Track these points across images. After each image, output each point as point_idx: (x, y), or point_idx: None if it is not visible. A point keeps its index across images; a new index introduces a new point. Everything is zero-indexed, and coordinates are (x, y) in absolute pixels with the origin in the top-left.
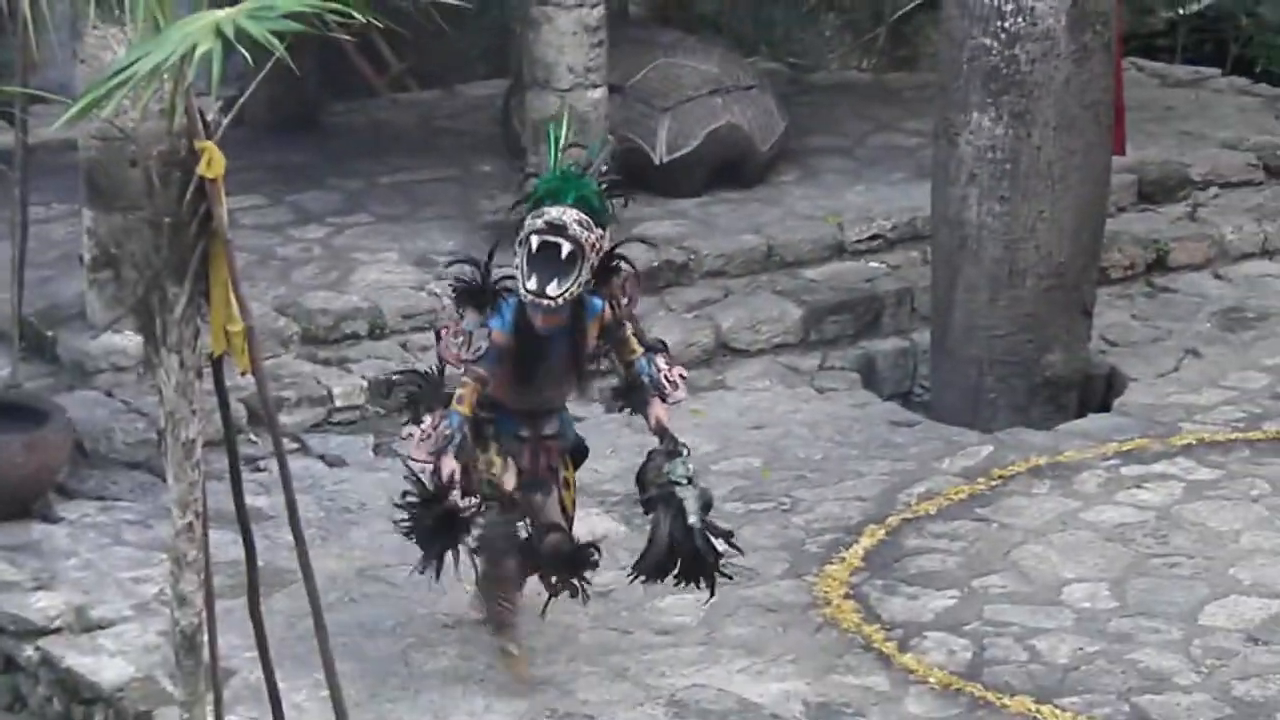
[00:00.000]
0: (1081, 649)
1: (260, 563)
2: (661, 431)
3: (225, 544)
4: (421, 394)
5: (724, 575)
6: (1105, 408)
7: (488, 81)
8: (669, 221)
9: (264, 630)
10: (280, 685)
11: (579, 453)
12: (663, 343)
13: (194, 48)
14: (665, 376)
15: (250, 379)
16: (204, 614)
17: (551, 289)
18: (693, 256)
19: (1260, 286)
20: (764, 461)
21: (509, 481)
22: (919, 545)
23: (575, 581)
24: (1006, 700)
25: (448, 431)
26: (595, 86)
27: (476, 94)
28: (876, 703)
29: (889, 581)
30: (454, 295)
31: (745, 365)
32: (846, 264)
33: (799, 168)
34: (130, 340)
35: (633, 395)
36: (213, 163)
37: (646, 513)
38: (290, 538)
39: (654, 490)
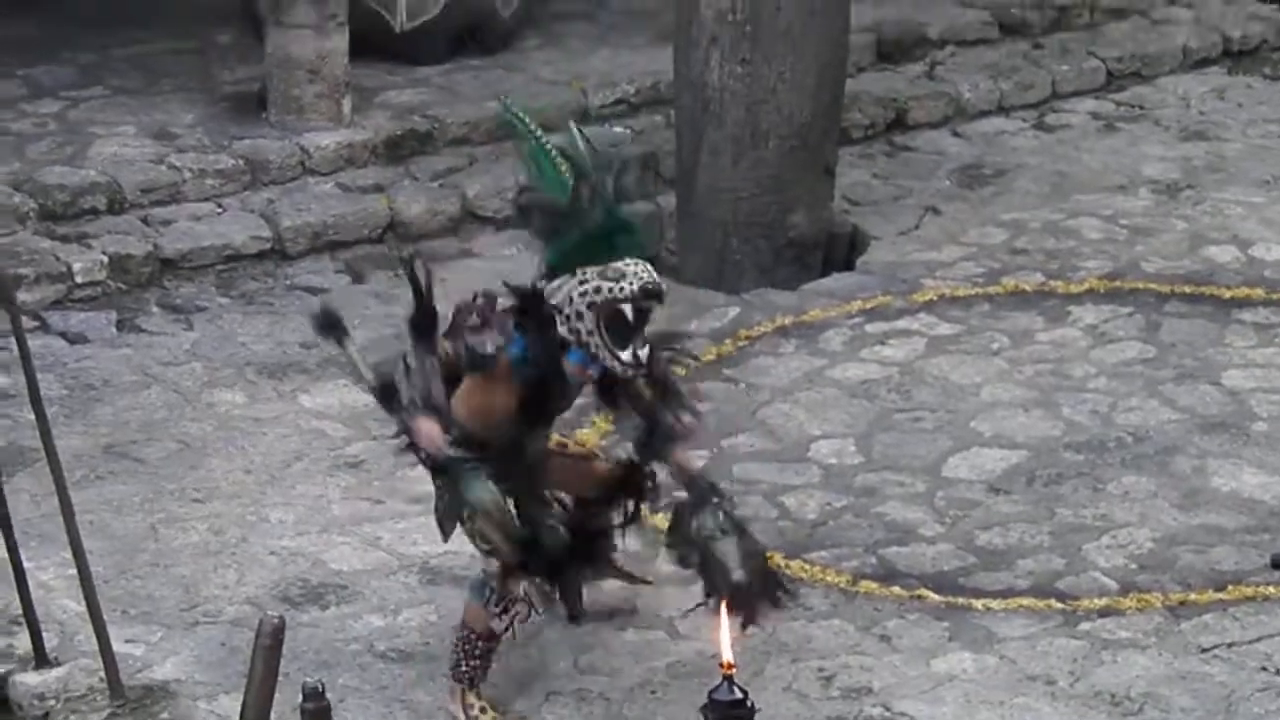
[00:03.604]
0: (829, 504)
1: (2, 442)
2: (686, 477)
3: None
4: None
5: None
6: (849, 266)
7: None
8: (411, 90)
9: (7, 509)
10: (26, 564)
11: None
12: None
13: None
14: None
15: None
16: None
17: (641, 355)
18: (437, 125)
19: (997, 143)
20: None
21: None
22: None
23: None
24: None
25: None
26: None
27: None
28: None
29: None
30: (510, 291)
31: (492, 233)
32: (592, 129)
33: (542, 33)
34: None
35: (653, 442)
36: None
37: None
38: (33, 416)
39: (693, 552)
